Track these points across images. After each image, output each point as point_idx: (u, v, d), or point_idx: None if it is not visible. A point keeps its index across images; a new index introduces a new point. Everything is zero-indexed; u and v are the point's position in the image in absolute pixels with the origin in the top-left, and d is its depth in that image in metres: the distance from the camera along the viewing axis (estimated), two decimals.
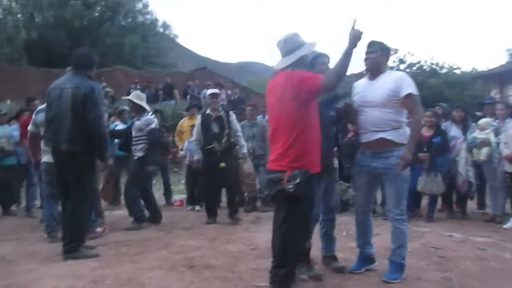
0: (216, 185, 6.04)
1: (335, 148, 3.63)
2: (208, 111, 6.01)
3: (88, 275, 3.41)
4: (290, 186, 2.74)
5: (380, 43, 3.40)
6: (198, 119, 6.12)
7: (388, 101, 3.25)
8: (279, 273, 2.89)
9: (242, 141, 6.05)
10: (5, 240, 4.79)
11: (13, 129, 6.84)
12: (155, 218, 5.87)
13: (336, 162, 3.68)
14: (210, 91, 6.33)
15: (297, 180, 2.74)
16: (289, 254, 2.93)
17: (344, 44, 2.80)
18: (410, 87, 3.24)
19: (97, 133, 4.04)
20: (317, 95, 2.91)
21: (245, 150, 6.06)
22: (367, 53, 3.36)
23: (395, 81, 3.27)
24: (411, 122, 3.38)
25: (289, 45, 2.99)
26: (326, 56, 3.40)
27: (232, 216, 5.88)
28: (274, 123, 3.02)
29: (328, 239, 3.70)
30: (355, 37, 2.78)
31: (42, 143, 4.91)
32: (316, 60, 3.32)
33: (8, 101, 13.27)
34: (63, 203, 4.23)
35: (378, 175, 3.43)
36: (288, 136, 2.85)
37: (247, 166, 6.00)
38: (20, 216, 6.48)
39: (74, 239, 3.97)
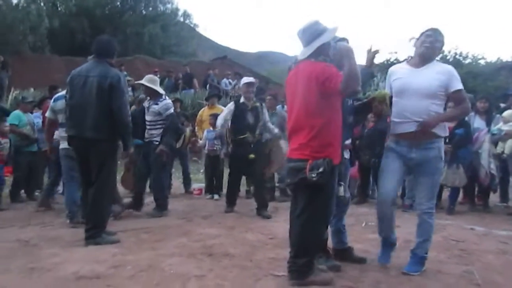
0: (240, 176, 6.01)
1: (349, 140, 3.51)
2: (242, 100, 5.76)
3: (109, 260, 3.47)
4: (314, 175, 2.72)
5: (443, 34, 3.27)
6: (230, 106, 5.83)
7: (436, 92, 3.13)
8: (298, 263, 2.89)
9: (273, 127, 6.03)
10: (28, 225, 4.91)
11: (36, 116, 6.99)
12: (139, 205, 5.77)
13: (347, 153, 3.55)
14: (245, 79, 5.99)
15: (321, 169, 2.72)
16: (308, 244, 2.92)
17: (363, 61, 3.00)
18: (460, 83, 3.15)
19: (122, 122, 4.06)
20: (339, 95, 2.87)
21: (277, 131, 5.95)
22: (428, 39, 3.18)
23: (447, 73, 3.15)
24: (457, 108, 3.29)
25: (308, 34, 2.94)
26: (346, 41, 3.27)
27: (261, 211, 5.63)
28: (295, 113, 2.97)
29: (339, 232, 3.59)
30: (369, 61, 3.14)
31: (58, 130, 5.04)
32: (331, 43, 3.13)
33: (32, 89, 13.53)
34: (84, 191, 4.30)
35: (412, 167, 3.30)
36: (311, 126, 2.83)
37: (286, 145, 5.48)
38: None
39: (96, 225, 4.04)
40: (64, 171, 5.11)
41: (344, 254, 3.57)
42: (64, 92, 4.87)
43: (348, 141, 3.48)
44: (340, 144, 2.95)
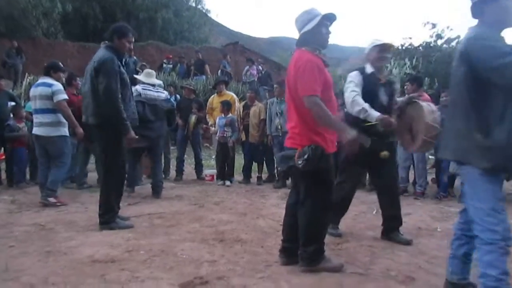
0: (356, 182, 4.26)
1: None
2: (371, 69, 3.88)
3: (123, 244, 3.54)
4: (300, 162, 2.77)
5: None
6: (355, 77, 3.85)
7: None
8: (308, 251, 2.92)
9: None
10: (44, 209, 5.01)
11: None
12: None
13: None
14: (375, 41, 3.91)
15: (306, 156, 2.75)
16: (315, 231, 2.95)
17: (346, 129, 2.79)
18: None
19: (108, 105, 3.97)
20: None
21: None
22: None
23: None
24: None
25: (299, 23, 2.96)
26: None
27: (393, 234, 3.91)
28: (288, 102, 3.04)
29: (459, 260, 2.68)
30: (349, 142, 2.77)
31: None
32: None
33: None
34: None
35: None
36: (300, 115, 2.87)
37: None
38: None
39: (106, 210, 4.10)
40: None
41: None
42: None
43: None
44: (333, 133, 2.94)
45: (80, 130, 5.42)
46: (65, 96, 5.37)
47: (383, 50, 3.86)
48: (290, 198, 3.22)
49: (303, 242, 2.95)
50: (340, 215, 4.06)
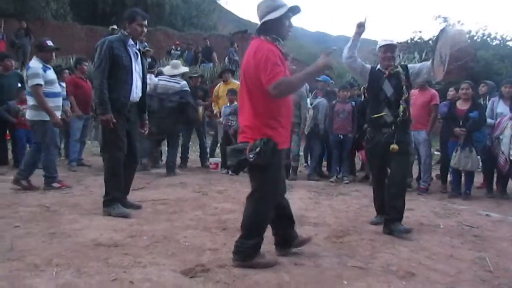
0: (381, 176, 4.24)
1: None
2: (378, 66, 4.18)
3: (126, 229, 3.57)
4: (251, 155, 2.70)
5: None
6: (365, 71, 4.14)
7: None
8: (247, 244, 2.84)
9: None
10: (49, 191, 5.05)
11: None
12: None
13: None
14: (381, 42, 4.16)
15: (257, 150, 2.68)
16: (258, 225, 2.89)
17: (313, 64, 2.77)
18: None
19: (94, 87, 4.15)
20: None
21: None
22: None
23: None
24: None
25: (262, 10, 2.87)
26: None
27: (391, 225, 3.92)
28: (242, 94, 2.92)
29: None
30: (324, 66, 2.76)
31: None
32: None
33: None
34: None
35: None
36: (253, 108, 2.80)
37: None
38: (63, 168, 6.77)
39: (105, 193, 4.12)
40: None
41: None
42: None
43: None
44: (287, 129, 2.92)
45: (55, 119, 5.10)
46: (38, 81, 4.96)
47: (387, 51, 4.05)
48: None
49: (245, 234, 2.87)
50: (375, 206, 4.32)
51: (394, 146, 3.85)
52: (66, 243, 3.14)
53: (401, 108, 3.88)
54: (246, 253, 2.84)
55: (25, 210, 4.10)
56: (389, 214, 3.91)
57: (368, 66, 4.18)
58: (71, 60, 12.97)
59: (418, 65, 4.15)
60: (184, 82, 6.66)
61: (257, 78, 2.74)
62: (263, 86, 2.70)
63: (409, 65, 4.15)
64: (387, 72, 4.00)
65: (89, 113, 7.23)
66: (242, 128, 2.89)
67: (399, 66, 4.05)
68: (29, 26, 14.90)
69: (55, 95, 5.21)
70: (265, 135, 2.73)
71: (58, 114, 5.25)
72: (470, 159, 5.62)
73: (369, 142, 4.12)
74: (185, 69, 7.18)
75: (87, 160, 7.65)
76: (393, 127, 3.91)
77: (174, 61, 7.18)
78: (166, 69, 6.87)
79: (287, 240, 3.16)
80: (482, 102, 6.54)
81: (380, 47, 4.08)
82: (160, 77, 6.61)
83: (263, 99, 2.76)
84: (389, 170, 4.11)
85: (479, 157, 5.72)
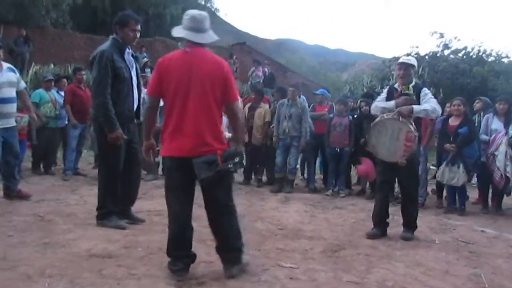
0: (389, 187, 4.79)
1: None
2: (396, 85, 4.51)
3: (121, 240, 3.54)
4: (231, 165, 2.77)
5: None
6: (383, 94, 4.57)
7: None
8: (238, 256, 2.97)
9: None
10: (44, 200, 5.01)
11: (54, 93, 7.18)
12: None
13: None
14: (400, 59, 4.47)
15: (237, 159, 2.80)
16: (240, 235, 3.05)
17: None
18: None
19: (94, 100, 3.92)
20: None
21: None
22: None
23: None
24: None
25: (208, 23, 3.07)
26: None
27: (406, 232, 4.35)
28: (192, 105, 2.79)
29: None
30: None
31: None
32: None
33: (52, 65, 13.68)
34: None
35: None
36: (217, 119, 2.88)
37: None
38: (58, 177, 6.74)
39: (100, 206, 4.03)
40: None
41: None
42: None
43: None
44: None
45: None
46: None
47: (400, 68, 4.37)
48: None
49: (232, 247, 3.02)
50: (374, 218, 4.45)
51: (402, 161, 4.11)
52: (59, 254, 3.12)
53: None
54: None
55: (19, 219, 4.07)
56: (405, 225, 4.35)
57: (384, 95, 4.50)
58: (69, 69, 13.00)
59: (428, 97, 4.25)
60: None
61: (220, 89, 2.85)
62: (226, 99, 2.87)
63: (424, 89, 4.34)
64: (398, 90, 4.35)
65: (86, 122, 7.20)
66: (201, 141, 2.79)
67: (410, 87, 4.28)
68: (28, 34, 14.93)
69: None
70: (225, 144, 2.92)
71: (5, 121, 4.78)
72: (455, 174, 5.60)
73: None
74: None
75: (83, 169, 7.62)
76: None
77: None
78: None
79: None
80: (476, 119, 6.58)
81: (396, 64, 4.46)
82: None
83: (220, 111, 2.92)
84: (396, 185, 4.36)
85: (464, 173, 5.69)
